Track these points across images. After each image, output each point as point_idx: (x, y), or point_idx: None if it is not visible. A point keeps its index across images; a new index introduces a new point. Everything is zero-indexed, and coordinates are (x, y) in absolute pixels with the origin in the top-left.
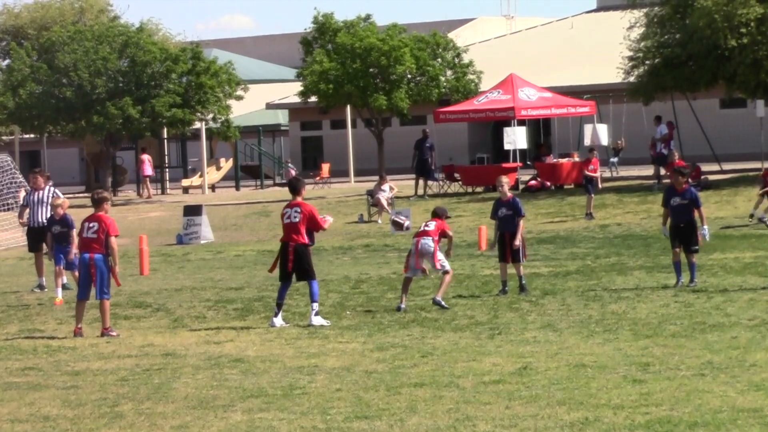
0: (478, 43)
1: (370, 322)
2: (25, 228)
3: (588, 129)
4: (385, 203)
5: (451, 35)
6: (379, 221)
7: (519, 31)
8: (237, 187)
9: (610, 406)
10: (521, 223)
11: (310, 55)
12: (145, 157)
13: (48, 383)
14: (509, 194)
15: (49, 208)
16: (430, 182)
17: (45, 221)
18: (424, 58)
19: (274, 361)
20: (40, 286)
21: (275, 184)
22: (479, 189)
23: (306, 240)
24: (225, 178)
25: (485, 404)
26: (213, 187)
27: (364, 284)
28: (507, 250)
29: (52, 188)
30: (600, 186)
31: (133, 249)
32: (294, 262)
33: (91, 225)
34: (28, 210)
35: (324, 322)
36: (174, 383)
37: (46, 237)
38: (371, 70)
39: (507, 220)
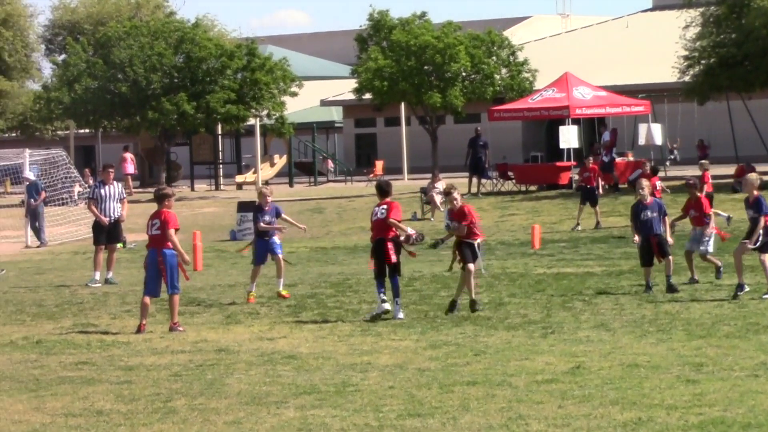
0: (533, 42)
1: (423, 320)
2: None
3: (643, 128)
4: (438, 201)
5: (506, 33)
6: (432, 219)
7: (574, 30)
8: (291, 184)
9: (663, 407)
10: (666, 219)
11: (365, 52)
12: (128, 156)
13: (101, 378)
14: (650, 197)
15: (117, 203)
16: (483, 180)
17: (113, 215)
18: (479, 56)
19: (327, 357)
20: (94, 281)
21: (329, 181)
22: (533, 187)
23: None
24: (279, 175)
25: (538, 403)
26: (267, 184)
27: (417, 282)
28: (652, 254)
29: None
30: (600, 192)
31: (186, 244)
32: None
33: (154, 222)
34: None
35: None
36: (227, 379)
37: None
38: (426, 67)
39: (651, 223)
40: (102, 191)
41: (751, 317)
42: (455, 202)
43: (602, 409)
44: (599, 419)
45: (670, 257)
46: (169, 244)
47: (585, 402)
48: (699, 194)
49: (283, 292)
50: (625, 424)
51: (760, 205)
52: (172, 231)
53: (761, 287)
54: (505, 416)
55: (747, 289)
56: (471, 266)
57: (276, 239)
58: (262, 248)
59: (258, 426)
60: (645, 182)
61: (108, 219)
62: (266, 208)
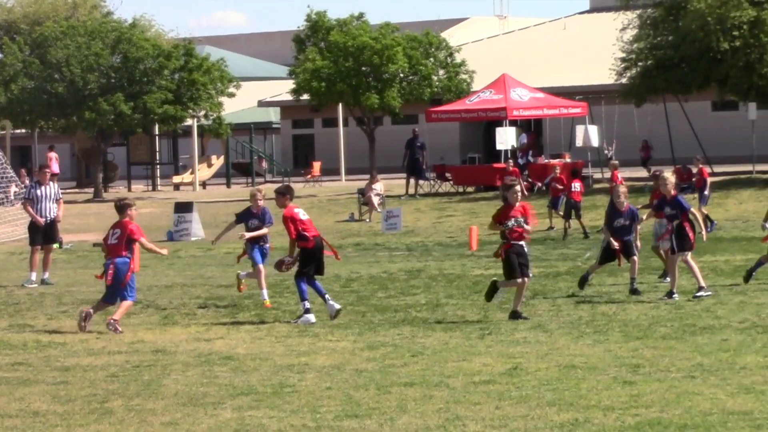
0: (471, 43)
1: (360, 321)
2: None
3: (580, 130)
4: (375, 202)
5: (443, 35)
6: (369, 220)
7: (512, 32)
8: (228, 185)
9: (600, 408)
10: (638, 227)
11: (302, 53)
12: (52, 155)
13: (38, 378)
14: (626, 204)
15: (53, 203)
16: (421, 181)
17: (50, 216)
18: (416, 57)
19: (264, 358)
20: (30, 281)
21: (266, 182)
22: (470, 189)
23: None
24: (216, 176)
25: (475, 404)
26: (204, 184)
27: (354, 283)
28: (614, 256)
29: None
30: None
31: None
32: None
33: (115, 231)
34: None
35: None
36: (164, 380)
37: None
38: (363, 68)
39: (623, 230)
40: (38, 191)
41: (688, 318)
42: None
43: (539, 410)
44: (536, 420)
45: (635, 257)
46: (124, 253)
47: (522, 403)
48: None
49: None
50: (562, 425)
51: (680, 203)
52: (144, 240)
53: (693, 289)
54: (442, 417)
55: (677, 298)
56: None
57: (268, 247)
58: (258, 251)
59: (195, 427)
60: (622, 189)
61: (44, 219)
62: (255, 212)
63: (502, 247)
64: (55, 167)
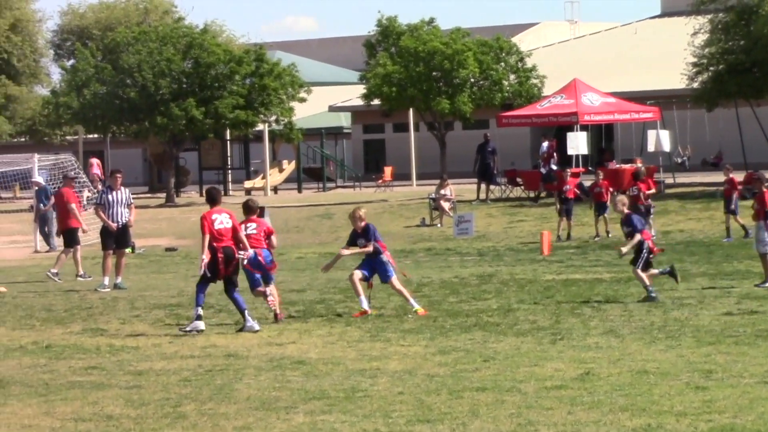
0: (542, 48)
1: (432, 326)
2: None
3: (651, 135)
4: (446, 207)
5: (514, 39)
6: (440, 225)
7: (583, 36)
8: (299, 190)
9: (672, 413)
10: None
11: (373, 58)
12: (94, 161)
13: (111, 382)
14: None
15: (125, 208)
16: (492, 186)
17: (122, 221)
18: (487, 62)
19: (336, 363)
20: (103, 286)
21: (337, 187)
22: (542, 194)
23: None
24: (287, 180)
25: (547, 409)
26: (275, 189)
27: (426, 288)
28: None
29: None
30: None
31: (195, 250)
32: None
33: (248, 225)
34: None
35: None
36: (236, 384)
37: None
38: (434, 73)
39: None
40: (110, 197)
41: (761, 324)
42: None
43: (612, 416)
44: (609, 426)
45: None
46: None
47: (594, 408)
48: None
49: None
50: (635, 430)
51: (632, 221)
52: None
53: None
54: (514, 422)
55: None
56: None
57: (383, 257)
58: (369, 265)
59: (267, 431)
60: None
61: (116, 224)
62: (359, 232)
63: None
64: (98, 171)
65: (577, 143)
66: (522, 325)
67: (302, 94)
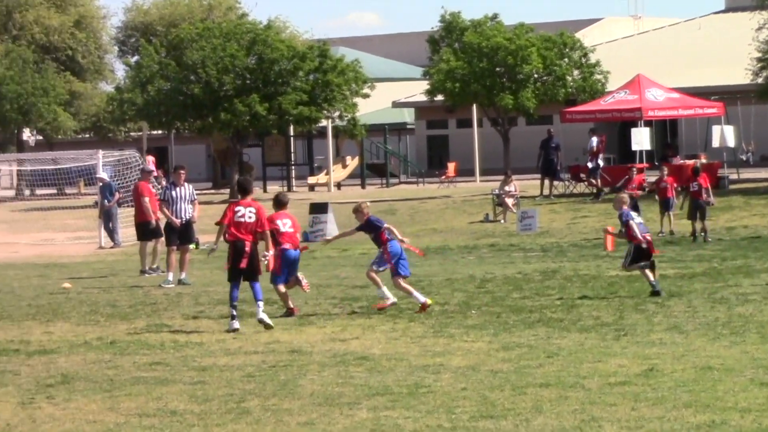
0: (605, 43)
1: (495, 322)
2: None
3: (716, 131)
4: (510, 203)
5: (578, 35)
6: (503, 221)
7: (646, 32)
8: (363, 185)
9: (737, 410)
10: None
11: (437, 53)
12: (150, 158)
13: (175, 378)
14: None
15: (189, 204)
16: (555, 182)
17: (185, 217)
18: (551, 58)
19: (400, 359)
20: (167, 282)
21: (400, 182)
22: (605, 189)
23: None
24: (351, 176)
25: (611, 405)
26: (339, 185)
27: (489, 284)
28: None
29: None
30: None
31: (261, 247)
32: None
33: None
34: (167, 205)
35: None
36: (300, 380)
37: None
38: (498, 69)
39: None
40: (173, 193)
41: None
42: None
43: (675, 412)
44: (672, 422)
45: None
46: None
47: (658, 404)
48: None
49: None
50: (699, 426)
51: (624, 221)
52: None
53: None
54: (578, 418)
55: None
56: None
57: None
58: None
59: (331, 427)
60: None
61: (180, 220)
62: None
63: None
64: (152, 167)
65: (641, 139)
66: (585, 321)
67: (366, 90)
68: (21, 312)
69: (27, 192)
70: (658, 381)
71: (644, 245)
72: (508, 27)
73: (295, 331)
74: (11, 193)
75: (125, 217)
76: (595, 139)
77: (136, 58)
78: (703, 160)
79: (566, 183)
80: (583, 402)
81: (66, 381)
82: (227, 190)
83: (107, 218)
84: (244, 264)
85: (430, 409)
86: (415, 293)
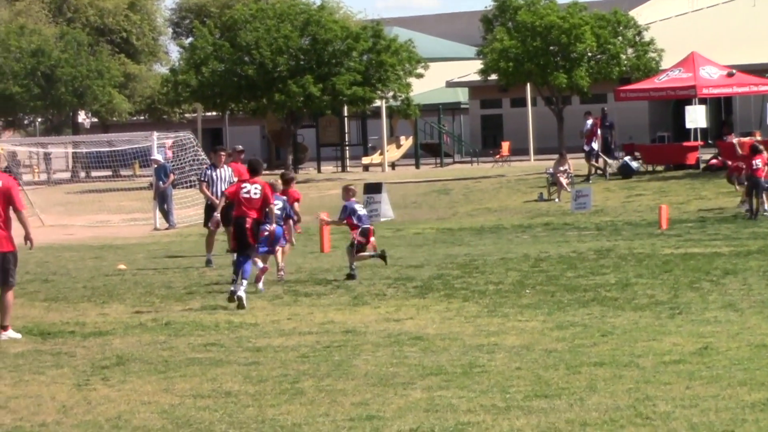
0: (659, 21)
1: (549, 301)
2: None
3: None
4: (564, 182)
5: (632, 13)
6: (558, 200)
7: (700, 9)
8: (417, 165)
9: None
10: None
11: (490, 33)
12: (167, 143)
13: (229, 359)
14: None
15: (228, 185)
16: (610, 161)
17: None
18: (604, 36)
19: (454, 338)
20: (209, 262)
21: (455, 162)
22: (660, 168)
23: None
24: (405, 156)
25: (665, 384)
26: (393, 165)
27: (543, 263)
28: None
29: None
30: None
31: (313, 226)
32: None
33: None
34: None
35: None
36: (354, 360)
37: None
38: (552, 48)
39: None
40: (213, 174)
41: None
42: None
43: (730, 390)
44: (727, 400)
45: None
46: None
47: (713, 383)
48: None
49: None
50: (754, 405)
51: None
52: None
53: None
54: (632, 397)
55: None
56: None
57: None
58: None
59: (385, 407)
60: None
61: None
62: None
63: None
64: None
65: (696, 117)
66: (640, 299)
67: (419, 70)
68: (76, 294)
69: (82, 174)
70: (713, 359)
71: None
72: (561, 6)
73: (349, 312)
74: (67, 175)
75: (180, 199)
76: (589, 122)
77: (190, 39)
78: (758, 137)
79: (621, 161)
80: (637, 381)
81: (121, 362)
82: (280, 171)
83: (162, 200)
84: (242, 239)
85: (484, 389)
86: (260, 263)
